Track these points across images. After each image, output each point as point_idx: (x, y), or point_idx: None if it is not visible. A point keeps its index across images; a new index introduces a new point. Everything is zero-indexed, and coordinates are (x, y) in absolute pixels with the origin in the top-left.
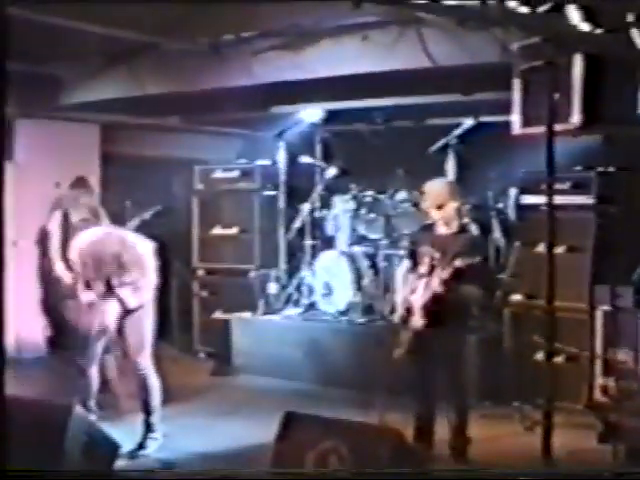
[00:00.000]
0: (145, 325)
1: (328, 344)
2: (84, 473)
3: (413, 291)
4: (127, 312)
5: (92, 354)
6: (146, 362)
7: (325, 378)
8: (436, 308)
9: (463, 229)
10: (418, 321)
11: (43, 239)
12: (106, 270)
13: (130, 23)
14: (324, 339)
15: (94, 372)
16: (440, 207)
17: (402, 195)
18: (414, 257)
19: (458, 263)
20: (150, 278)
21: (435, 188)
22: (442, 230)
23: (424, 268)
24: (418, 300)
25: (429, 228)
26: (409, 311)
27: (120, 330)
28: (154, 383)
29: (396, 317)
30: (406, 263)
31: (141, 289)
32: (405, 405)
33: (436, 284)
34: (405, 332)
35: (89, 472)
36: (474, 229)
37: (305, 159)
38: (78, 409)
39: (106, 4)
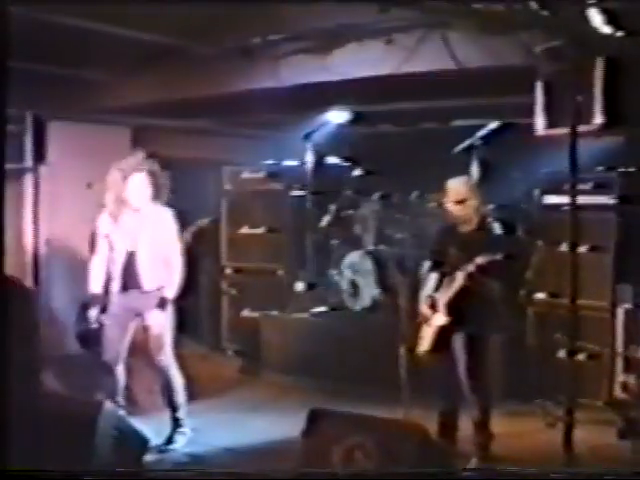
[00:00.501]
0: (165, 323)
1: (354, 341)
2: (86, 473)
3: (436, 289)
4: (161, 304)
5: (118, 351)
6: (168, 359)
7: (351, 375)
8: (459, 305)
9: (484, 227)
10: (441, 318)
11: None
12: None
13: (161, 27)
14: (350, 337)
15: (121, 369)
16: (460, 203)
17: (428, 195)
18: (436, 256)
19: (480, 260)
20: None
21: (455, 185)
22: (463, 228)
23: (446, 266)
24: (441, 297)
25: (450, 227)
26: (433, 308)
27: (143, 327)
28: (177, 379)
29: (420, 315)
30: (429, 262)
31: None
32: (429, 401)
33: (459, 281)
34: (429, 329)
35: (91, 472)
36: (497, 228)
37: (332, 160)
38: (108, 404)
39: (138, 8)
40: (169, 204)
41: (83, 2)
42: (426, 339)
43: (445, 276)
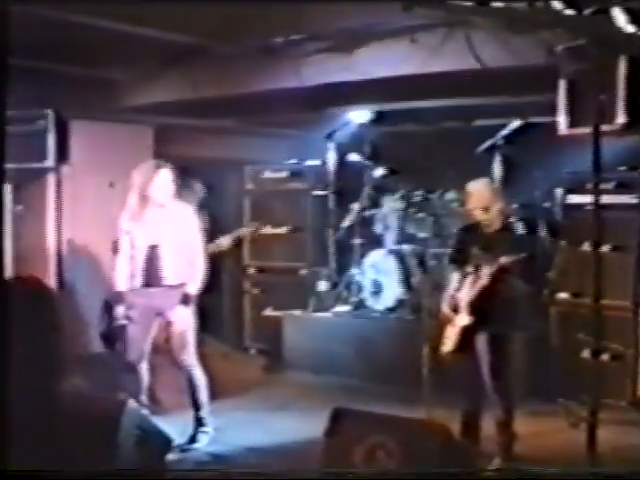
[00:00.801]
0: (188, 320)
1: (377, 341)
2: (89, 473)
3: (459, 289)
4: (184, 300)
5: (142, 349)
6: (191, 359)
7: (374, 374)
8: (482, 305)
9: (506, 227)
10: (464, 318)
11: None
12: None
13: (183, 27)
14: (373, 336)
15: (144, 368)
16: (484, 209)
17: (450, 195)
18: (459, 255)
19: (503, 260)
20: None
21: (478, 189)
22: (485, 229)
23: (470, 266)
24: (464, 297)
25: (473, 227)
26: (456, 308)
27: (166, 324)
28: (200, 379)
29: (443, 315)
30: (451, 262)
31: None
32: (452, 401)
33: (482, 282)
34: (452, 329)
35: (95, 473)
36: (520, 228)
37: (354, 159)
38: (131, 403)
39: (161, 8)
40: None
41: (105, 2)
42: (450, 339)
43: (468, 276)
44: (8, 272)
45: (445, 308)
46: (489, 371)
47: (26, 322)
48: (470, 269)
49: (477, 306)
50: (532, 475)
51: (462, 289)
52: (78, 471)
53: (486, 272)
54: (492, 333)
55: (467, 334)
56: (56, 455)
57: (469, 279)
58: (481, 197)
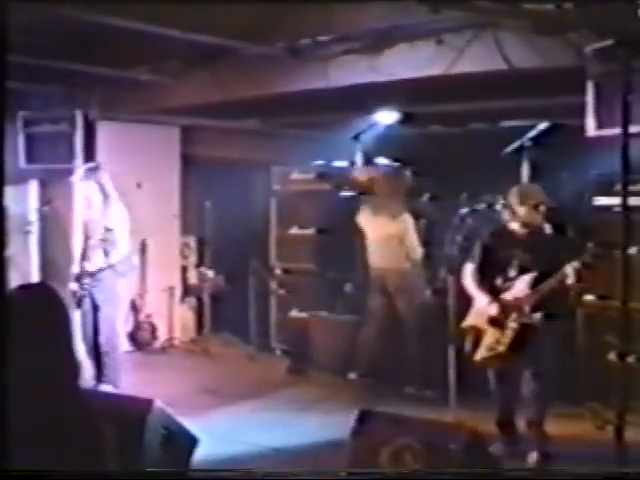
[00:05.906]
0: None
1: (404, 343)
2: (91, 474)
3: (506, 290)
4: None
5: None
6: None
7: (400, 376)
8: (546, 306)
9: (541, 229)
10: (525, 318)
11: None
12: None
13: (211, 28)
14: (400, 338)
15: None
16: (538, 209)
17: (479, 197)
18: (488, 257)
19: (570, 269)
20: None
21: (533, 190)
22: (520, 230)
23: (512, 270)
24: (525, 299)
25: (505, 229)
26: (505, 310)
27: None
28: None
29: (487, 318)
30: (475, 263)
31: None
32: (478, 403)
33: (551, 283)
34: (495, 332)
35: (97, 473)
36: (547, 229)
37: (381, 160)
38: (158, 403)
39: (190, 9)
40: None
41: (133, 3)
42: (503, 340)
43: (514, 279)
44: (34, 271)
45: (492, 310)
46: (536, 372)
47: (38, 327)
48: (513, 272)
49: (541, 307)
50: (559, 475)
51: (511, 290)
52: (78, 471)
53: (559, 275)
54: (553, 329)
55: (523, 334)
56: (84, 455)
57: (522, 281)
58: (536, 197)
